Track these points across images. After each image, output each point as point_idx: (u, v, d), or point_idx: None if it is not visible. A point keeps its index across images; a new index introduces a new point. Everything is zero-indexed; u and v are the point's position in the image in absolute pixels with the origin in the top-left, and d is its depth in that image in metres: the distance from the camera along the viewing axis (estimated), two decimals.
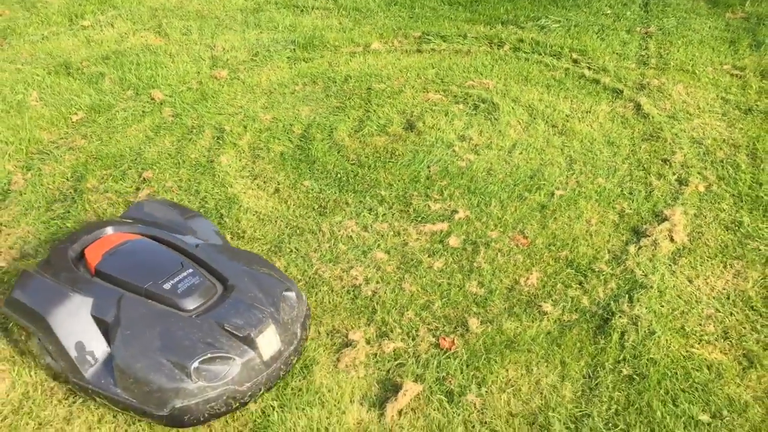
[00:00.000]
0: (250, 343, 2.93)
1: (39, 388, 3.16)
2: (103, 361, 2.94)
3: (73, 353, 2.93)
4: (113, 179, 4.61)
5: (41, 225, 4.20)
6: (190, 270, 3.16)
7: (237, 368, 2.87)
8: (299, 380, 3.13)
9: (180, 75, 5.95)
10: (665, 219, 4.00)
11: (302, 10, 7.37)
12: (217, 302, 3.06)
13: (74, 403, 3.09)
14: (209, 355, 2.83)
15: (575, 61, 5.89)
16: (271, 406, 3.01)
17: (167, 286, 3.05)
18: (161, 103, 5.52)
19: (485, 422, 2.96)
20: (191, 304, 3.02)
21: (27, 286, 3.11)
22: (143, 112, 5.43)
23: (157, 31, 6.90)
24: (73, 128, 5.22)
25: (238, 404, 2.90)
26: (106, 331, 2.95)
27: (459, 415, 2.99)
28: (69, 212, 4.28)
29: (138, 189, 4.50)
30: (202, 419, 2.84)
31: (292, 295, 3.24)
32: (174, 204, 3.97)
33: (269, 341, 3.00)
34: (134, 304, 3.00)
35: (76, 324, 2.96)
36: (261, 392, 2.97)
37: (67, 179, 4.64)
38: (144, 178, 4.60)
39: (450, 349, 3.27)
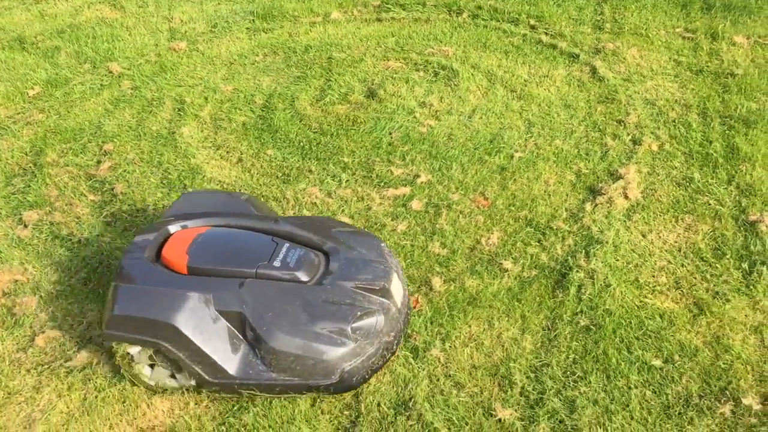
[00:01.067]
0: (385, 294, 3.01)
1: (6, 359, 3.18)
2: (243, 353, 2.88)
3: (212, 353, 2.83)
4: (73, 153, 4.57)
5: (1, 200, 4.16)
6: (287, 244, 3.10)
7: (383, 320, 2.94)
8: None
9: (138, 48, 5.88)
10: (620, 177, 4.13)
11: None
12: (330, 267, 3.07)
13: (43, 372, 3.12)
14: (359, 314, 2.90)
15: (533, 27, 5.96)
16: None
17: (277, 263, 2.99)
18: (119, 76, 5.46)
19: (449, 375, 3.06)
20: (308, 274, 3.01)
21: (131, 299, 2.87)
22: (101, 85, 5.37)
23: (112, 4, 6.79)
24: (30, 103, 5.15)
25: (389, 355, 2.99)
26: (240, 321, 2.88)
27: (424, 369, 3.08)
28: (30, 186, 4.25)
29: (99, 162, 4.48)
30: (366, 377, 2.92)
31: (385, 245, 3.29)
32: (214, 190, 3.80)
33: (397, 289, 3.08)
34: (258, 287, 2.92)
35: (207, 323, 2.85)
36: (401, 339, 3.06)
37: (26, 154, 4.59)
38: (105, 151, 4.57)
39: (414, 308, 3.35)
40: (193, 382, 2.91)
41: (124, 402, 2.99)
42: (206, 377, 2.87)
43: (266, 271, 2.97)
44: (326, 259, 3.11)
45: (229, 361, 2.86)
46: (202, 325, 2.83)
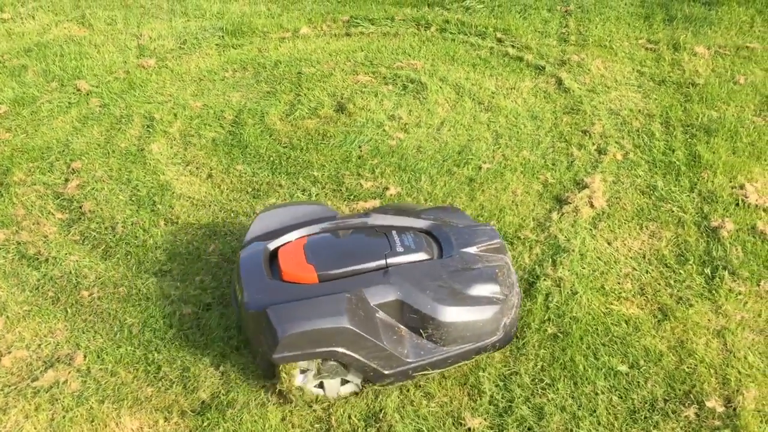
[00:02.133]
0: (504, 251, 3.23)
1: None
2: (409, 338, 2.96)
3: (386, 345, 2.87)
4: (41, 171, 4.54)
5: None
6: (394, 231, 3.20)
7: (513, 272, 3.18)
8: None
9: (106, 65, 5.86)
10: (585, 186, 4.20)
11: None
12: (442, 240, 3.19)
13: (9, 393, 3.09)
14: (497, 272, 3.10)
15: (499, 40, 6.05)
16: None
17: (400, 249, 3.09)
18: (88, 94, 5.44)
19: (419, 385, 3.08)
20: (431, 250, 3.14)
21: (291, 318, 2.78)
22: (69, 103, 5.34)
23: (80, 22, 6.76)
24: None
25: (520, 307, 3.20)
26: (398, 308, 2.94)
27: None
28: None
29: (67, 180, 4.45)
30: (516, 326, 3.18)
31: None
32: (287, 203, 3.78)
33: (506, 248, 3.34)
34: (403, 273, 3.00)
35: (371, 319, 2.88)
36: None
37: None
38: (73, 169, 4.55)
39: None
40: (361, 381, 2.99)
41: (92, 421, 2.97)
42: (383, 371, 2.92)
43: (395, 259, 3.05)
44: (431, 235, 3.25)
45: (401, 348, 2.94)
46: (368, 322, 2.88)
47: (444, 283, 3.00)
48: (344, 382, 3.00)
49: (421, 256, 3.10)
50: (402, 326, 2.97)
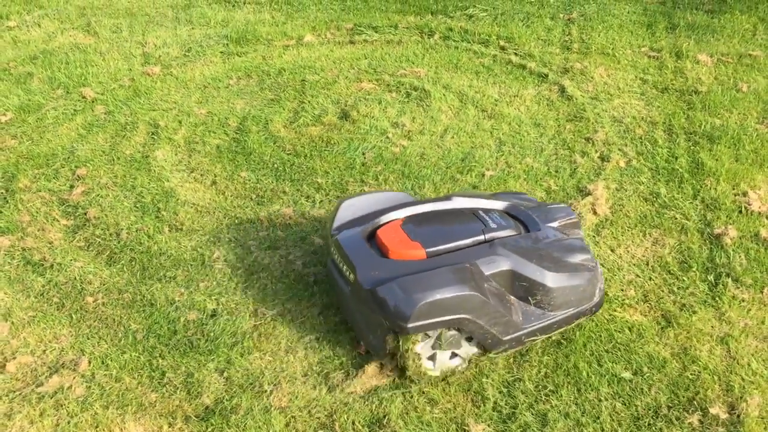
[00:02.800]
0: (579, 227, 3.50)
1: None
2: (519, 305, 3.15)
3: (505, 312, 3.04)
4: (46, 178, 4.57)
5: None
6: (480, 211, 3.41)
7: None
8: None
9: (111, 72, 5.90)
10: (588, 194, 4.21)
11: (234, 5, 7.36)
12: (525, 219, 3.41)
13: (14, 399, 3.10)
14: (584, 243, 3.37)
15: (502, 48, 6.07)
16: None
17: (494, 225, 3.29)
18: (93, 101, 5.47)
19: (423, 392, 3.09)
20: (518, 227, 3.35)
21: (419, 289, 2.87)
22: (74, 110, 5.37)
23: (86, 30, 6.81)
24: (3, 129, 5.13)
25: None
26: (508, 278, 3.11)
27: (398, 388, 3.10)
28: (1, 212, 4.23)
29: (72, 187, 4.47)
30: (603, 292, 3.37)
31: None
32: (367, 192, 3.94)
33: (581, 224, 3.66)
34: (509, 245, 3.18)
35: (490, 287, 3.04)
36: None
37: None
38: (78, 176, 4.57)
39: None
40: (476, 351, 3.14)
41: (96, 427, 2.98)
42: (501, 337, 3.07)
43: (492, 234, 3.24)
44: (512, 215, 3.46)
45: (516, 315, 3.11)
46: (488, 290, 3.02)
47: (544, 253, 3.20)
48: (453, 356, 3.13)
49: (512, 231, 3.31)
50: (511, 296, 3.13)
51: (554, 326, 3.21)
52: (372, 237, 3.28)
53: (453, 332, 3.04)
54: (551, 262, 3.18)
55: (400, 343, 2.97)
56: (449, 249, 3.15)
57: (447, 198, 3.54)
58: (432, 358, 3.10)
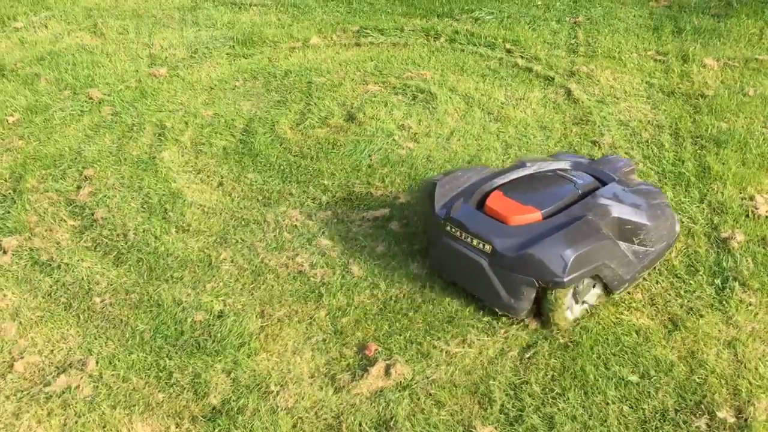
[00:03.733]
0: (633, 172, 3.96)
1: None
2: (627, 246, 3.43)
3: (627, 253, 3.40)
4: (53, 178, 4.58)
5: None
6: (559, 171, 3.74)
7: None
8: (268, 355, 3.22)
9: (118, 74, 5.92)
10: None
11: (240, 7, 7.39)
12: (595, 173, 3.73)
13: (22, 398, 3.10)
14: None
15: (509, 51, 6.08)
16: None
17: (581, 182, 3.61)
18: (100, 102, 5.49)
19: (430, 394, 3.09)
20: (595, 182, 3.65)
21: (566, 243, 3.18)
22: (81, 111, 5.39)
23: (92, 31, 6.83)
24: (10, 129, 5.15)
25: None
26: (615, 224, 3.39)
27: (405, 389, 3.11)
28: (9, 212, 4.25)
29: (79, 187, 4.48)
30: (679, 224, 3.80)
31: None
32: (448, 171, 4.07)
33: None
34: (603, 196, 3.50)
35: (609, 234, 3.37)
36: None
37: (6, 180, 4.59)
38: (85, 177, 4.58)
39: (371, 355, 3.30)
40: (601, 294, 3.47)
41: (104, 427, 2.98)
42: (624, 277, 3.39)
43: (584, 189, 3.56)
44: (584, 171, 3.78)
45: (630, 256, 3.42)
46: (612, 236, 3.37)
47: (634, 199, 3.51)
48: (582, 303, 3.45)
49: (596, 185, 3.61)
50: (618, 240, 3.41)
51: (655, 260, 3.56)
52: (480, 209, 3.49)
53: (589, 280, 3.34)
54: (642, 205, 3.49)
55: (552, 297, 3.25)
56: (559, 207, 3.43)
57: (522, 165, 3.82)
58: (569, 307, 3.38)
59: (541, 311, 3.35)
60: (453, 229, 3.44)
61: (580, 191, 3.52)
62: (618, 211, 3.39)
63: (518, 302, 3.30)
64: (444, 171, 4.12)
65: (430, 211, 3.58)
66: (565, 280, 3.13)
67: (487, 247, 3.30)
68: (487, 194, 3.56)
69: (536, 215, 3.36)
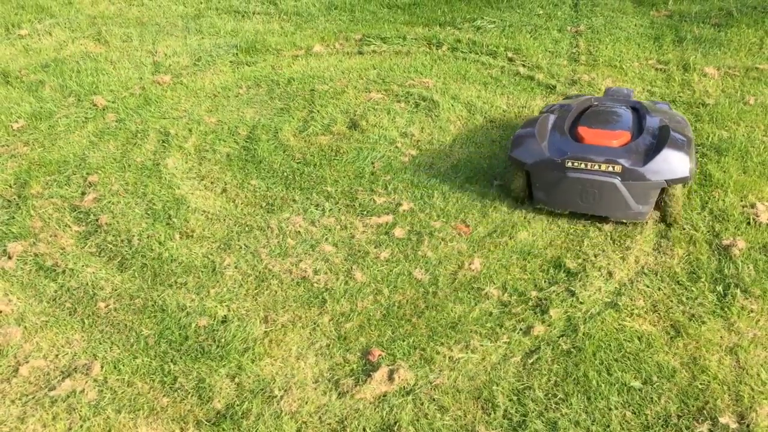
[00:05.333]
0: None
1: None
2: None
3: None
4: (58, 184, 4.61)
5: None
6: (623, 104, 4.53)
7: None
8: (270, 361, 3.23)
9: (122, 81, 5.95)
10: None
11: (243, 16, 7.43)
12: (638, 106, 4.48)
13: (27, 402, 3.12)
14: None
15: (510, 60, 6.12)
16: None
17: (625, 108, 4.45)
18: (104, 109, 5.52)
19: (433, 399, 3.10)
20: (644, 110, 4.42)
21: (680, 155, 3.93)
22: (86, 118, 5.42)
23: (96, 39, 6.87)
24: (15, 136, 5.18)
25: None
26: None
27: (408, 394, 3.12)
28: (14, 218, 4.27)
29: (84, 193, 4.51)
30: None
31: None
32: (534, 117, 4.54)
33: None
34: (658, 115, 4.33)
35: None
36: None
37: (10, 186, 4.61)
38: (89, 183, 4.61)
39: (374, 360, 3.32)
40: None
41: (109, 430, 2.99)
42: (695, 174, 4.26)
43: (631, 112, 4.41)
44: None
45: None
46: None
47: (675, 116, 4.42)
48: None
49: (628, 107, 4.48)
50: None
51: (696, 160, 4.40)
52: (576, 140, 4.11)
53: None
54: (666, 113, 4.43)
55: (671, 193, 3.95)
56: (632, 128, 4.18)
57: (588, 99, 4.60)
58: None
59: (662, 211, 4.05)
60: (576, 164, 3.97)
61: (631, 114, 4.32)
62: (672, 126, 4.15)
63: (645, 206, 3.98)
64: (524, 123, 4.48)
65: (541, 160, 4.07)
66: (689, 175, 3.86)
67: (617, 168, 3.90)
68: (571, 133, 4.19)
69: (627, 136, 4.05)
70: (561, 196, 4.07)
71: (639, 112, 4.41)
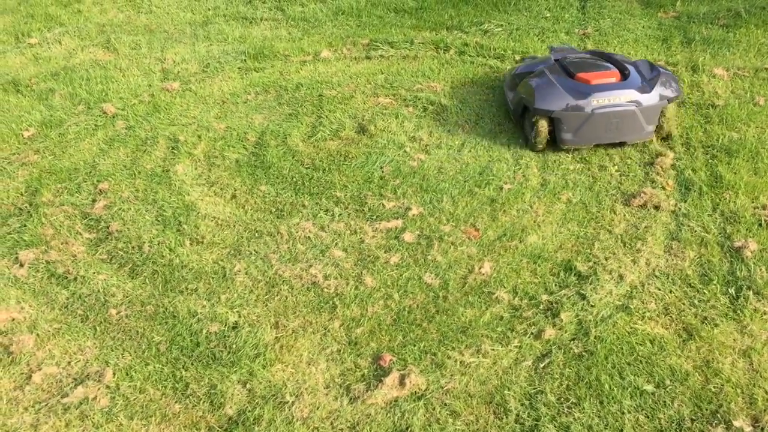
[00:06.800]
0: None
1: (3, 397, 3.19)
2: None
3: None
4: (68, 192, 4.63)
5: None
6: (587, 56, 5.26)
7: None
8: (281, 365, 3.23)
9: (131, 88, 5.98)
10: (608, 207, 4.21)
11: (251, 22, 7.46)
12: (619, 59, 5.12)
13: (40, 410, 3.13)
14: None
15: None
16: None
17: (619, 58, 5.11)
18: (114, 117, 5.55)
19: (445, 404, 3.09)
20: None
21: (668, 74, 4.87)
22: (96, 125, 5.45)
23: (105, 47, 6.91)
24: (25, 144, 5.21)
25: None
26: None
27: (420, 399, 3.11)
28: (25, 226, 4.30)
29: (94, 200, 4.53)
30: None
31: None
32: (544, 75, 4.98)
33: None
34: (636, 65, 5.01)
35: None
36: None
37: (22, 194, 4.64)
38: (100, 190, 4.63)
39: (385, 365, 3.32)
40: None
41: None
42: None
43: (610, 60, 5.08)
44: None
45: None
46: None
47: (646, 66, 4.96)
48: None
49: (628, 63, 5.00)
50: None
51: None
52: (585, 83, 4.71)
53: None
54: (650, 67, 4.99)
55: (668, 111, 4.77)
56: (620, 68, 4.87)
57: (558, 54, 5.30)
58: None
59: (660, 129, 4.82)
60: (600, 101, 4.59)
61: (600, 58, 5.09)
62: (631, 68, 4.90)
63: (652, 126, 4.74)
64: (534, 76, 4.95)
65: (569, 105, 4.61)
66: (681, 92, 4.82)
67: (636, 99, 4.62)
68: (566, 78, 4.80)
69: (617, 73, 4.78)
70: (588, 132, 4.67)
71: (604, 56, 5.17)
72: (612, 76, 4.74)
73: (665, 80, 4.76)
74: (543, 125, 4.68)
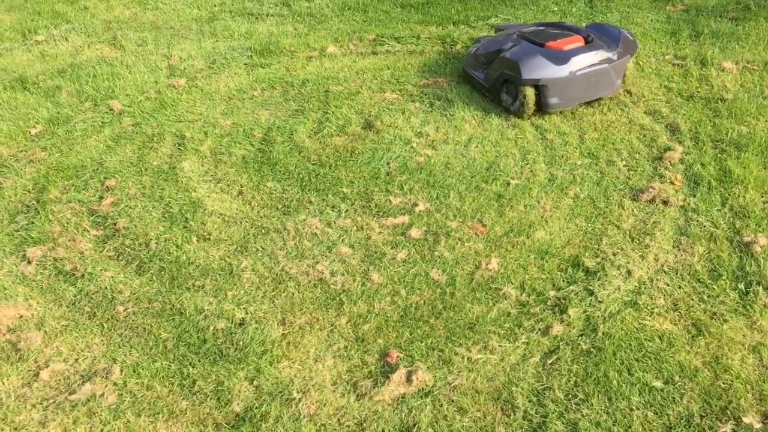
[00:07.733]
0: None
1: (12, 394, 3.20)
2: None
3: None
4: (75, 189, 4.63)
5: (5, 237, 4.21)
6: (545, 27, 5.65)
7: None
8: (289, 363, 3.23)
9: (138, 85, 5.98)
10: (616, 203, 4.18)
11: (257, 18, 7.45)
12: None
13: (48, 407, 3.14)
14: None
15: None
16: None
17: (571, 26, 5.61)
18: (120, 113, 5.55)
19: (452, 400, 3.08)
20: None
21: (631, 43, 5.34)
22: (102, 122, 5.45)
23: (112, 44, 6.91)
24: (33, 141, 5.22)
25: None
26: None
27: (427, 396, 3.11)
28: (33, 223, 4.30)
29: (101, 197, 4.53)
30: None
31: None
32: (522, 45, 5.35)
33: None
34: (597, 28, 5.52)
35: None
36: None
37: (29, 191, 4.65)
38: (107, 187, 4.63)
39: (392, 361, 3.32)
40: None
41: None
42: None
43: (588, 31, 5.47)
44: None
45: None
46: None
47: (615, 30, 5.38)
48: None
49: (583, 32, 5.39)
50: None
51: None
52: (558, 50, 5.08)
53: None
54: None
55: (631, 63, 5.37)
56: (579, 32, 5.31)
57: (515, 31, 5.58)
58: None
59: (624, 81, 5.36)
60: (578, 63, 4.95)
61: (556, 27, 5.50)
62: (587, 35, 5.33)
63: (620, 80, 5.20)
64: (510, 51, 5.23)
65: (553, 71, 4.93)
66: (638, 46, 5.48)
67: (610, 56, 5.05)
68: (541, 48, 5.12)
69: (581, 38, 5.18)
70: (571, 93, 5.04)
71: (556, 25, 5.59)
72: (577, 41, 5.15)
73: (625, 37, 5.24)
74: (530, 93, 5.00)
